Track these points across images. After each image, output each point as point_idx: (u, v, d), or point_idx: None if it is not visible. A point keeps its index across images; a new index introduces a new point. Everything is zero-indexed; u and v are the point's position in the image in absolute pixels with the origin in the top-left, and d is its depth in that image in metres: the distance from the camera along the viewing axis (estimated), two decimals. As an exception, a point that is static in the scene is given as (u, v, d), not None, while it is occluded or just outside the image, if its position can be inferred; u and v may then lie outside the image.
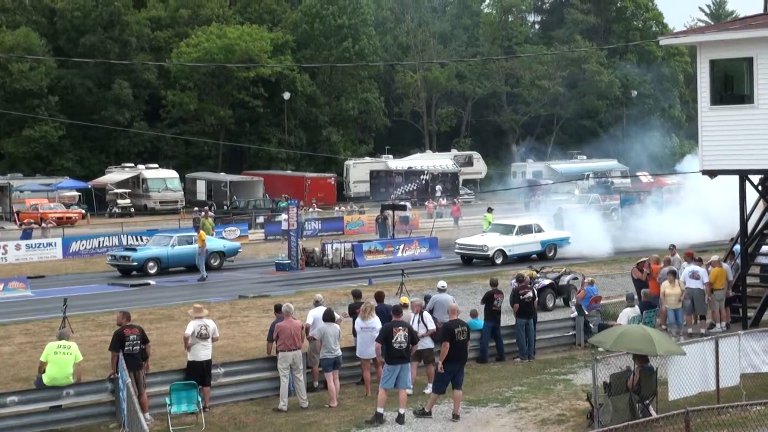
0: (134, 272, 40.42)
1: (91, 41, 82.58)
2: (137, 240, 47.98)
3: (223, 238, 50.00)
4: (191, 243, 41.47)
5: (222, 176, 79.79)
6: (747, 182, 25.89)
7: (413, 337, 18.83)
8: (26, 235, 52.11)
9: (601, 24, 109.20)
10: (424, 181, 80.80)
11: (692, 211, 44.19)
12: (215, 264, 41.76)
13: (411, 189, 79.48)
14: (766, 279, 27.34)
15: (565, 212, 49.65)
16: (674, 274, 25.13)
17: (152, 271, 40.35)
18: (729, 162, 25.34)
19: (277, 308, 20.73)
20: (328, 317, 19.89)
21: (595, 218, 47.95)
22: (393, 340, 18.20)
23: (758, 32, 24.58)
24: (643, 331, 17.57)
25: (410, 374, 18.95)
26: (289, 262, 41.77)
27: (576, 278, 30.52)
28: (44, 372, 18.19)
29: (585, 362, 21.73)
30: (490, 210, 49.85)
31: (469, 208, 68.81)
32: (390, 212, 49.92)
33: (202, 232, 41.55)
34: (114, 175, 78.32)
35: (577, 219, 47.28)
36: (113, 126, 76.30)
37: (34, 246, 48.18)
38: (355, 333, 20.95)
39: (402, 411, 18.15)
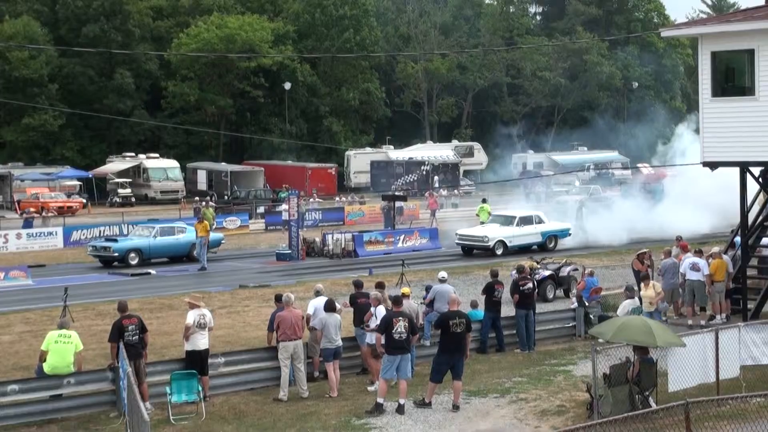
0: (115, 263, 39.97)
1: (93, 31, 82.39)
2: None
3: (223, 227, 49.99)
4: (174, 234, 41.32)
5: (223, 166, 79.72)
6: (748, 174, 25.88)
7: (413, 328, 18.89)
8: (27, 224, 52.08)
9: (603, 15, 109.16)
10: (424, 172, 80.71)
11: (699, 201, 44.13)
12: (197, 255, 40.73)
13: (412, 180, 79.38)
14: (766, 271, 27.33)
15: (585, 205, 49.95)
16: (648, 277, 25.01)
17: (133, 262, 39.77)
18: (730, 154, 25.28)
19: (278, 298, 20.73)
20: (329, 307, 19.90)
21: (615, 210, 48.09)
22: (393, 331, 18.23)
23: (760, 24, 24.51)
24: (643, 323, 17.59)
25: (410, 365, 18.97)
26: (289, 252, 41.78)
27: (576, 269, 30.55)
28: (45, 361, 18.22)
29: (585, 353, 21.74)
30: (484, 201, 49.87)
31: (470, 198, 68.76)
32: (391, 203, 49.94)
33: (205, 222, 41.42)
34: (115, 165, 78.24)
35: (598, 211, 47.83)
36: (114, 115, 76.22)
37: (34, 235, 48.16)
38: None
39: (402, 401, 18.19)
